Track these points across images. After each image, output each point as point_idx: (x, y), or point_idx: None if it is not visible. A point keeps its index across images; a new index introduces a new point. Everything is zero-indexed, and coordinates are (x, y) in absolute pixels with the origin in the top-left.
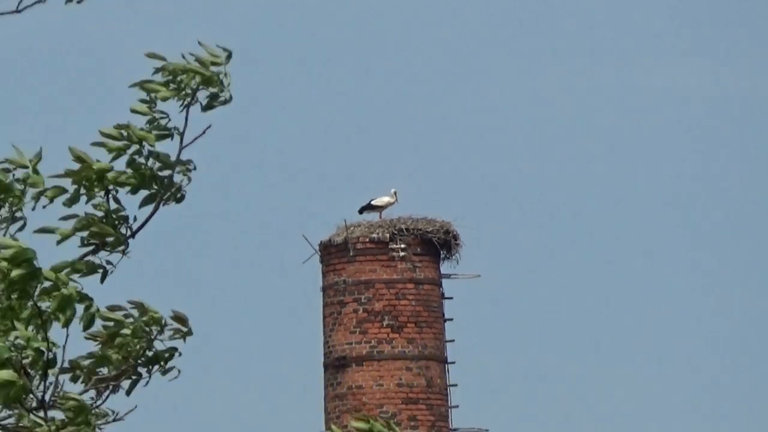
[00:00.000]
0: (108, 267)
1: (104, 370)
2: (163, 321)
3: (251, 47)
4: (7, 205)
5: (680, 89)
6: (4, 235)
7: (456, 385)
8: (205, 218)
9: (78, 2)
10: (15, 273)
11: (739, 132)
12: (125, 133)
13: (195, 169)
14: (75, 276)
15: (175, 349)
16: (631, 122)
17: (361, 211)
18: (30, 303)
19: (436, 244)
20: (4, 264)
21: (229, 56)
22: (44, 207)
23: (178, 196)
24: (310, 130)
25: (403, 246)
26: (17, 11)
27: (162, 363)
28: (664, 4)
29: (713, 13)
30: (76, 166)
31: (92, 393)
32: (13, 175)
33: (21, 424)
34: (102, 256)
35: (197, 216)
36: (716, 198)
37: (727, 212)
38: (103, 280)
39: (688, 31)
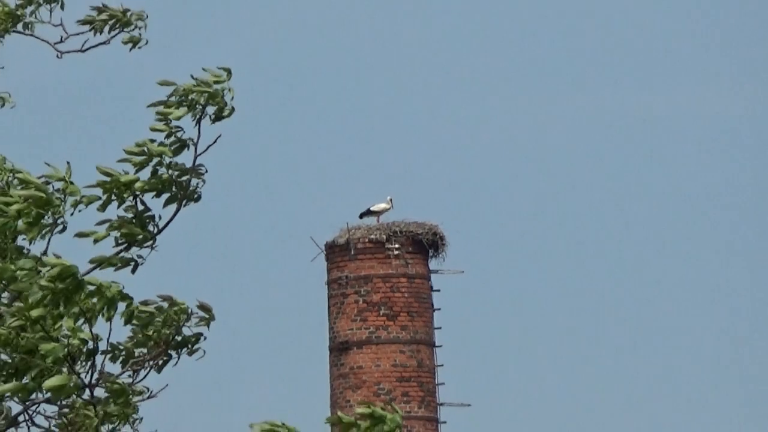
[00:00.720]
0: (139, 260)
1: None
2: (189, 310)
3: (259, 63)
4: (49, 213)
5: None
6: (49, 239)
7: (443, 365)
8: (222, 218)
9: (138, 48)
10: (61, 287)
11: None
12: (146, 149)
13: (207, 172)
14: (110, 269)
15: (200, 334)
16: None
17: (361, 216)
18: (75, 309)
19: (426, 244)
20: (49, 282)
21: (230, 74)
22: (80, 211)
23: (195, 197)
24: (317, 142)
25: (397, 246)
26: (81, 51)
27: (189, 346)
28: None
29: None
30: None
31: (129, 372)
32: (52, 186)
33: (71, 415)
34: (133, 252)
35: (215, 215)
36: (693, 196)
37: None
38: (134, 271)
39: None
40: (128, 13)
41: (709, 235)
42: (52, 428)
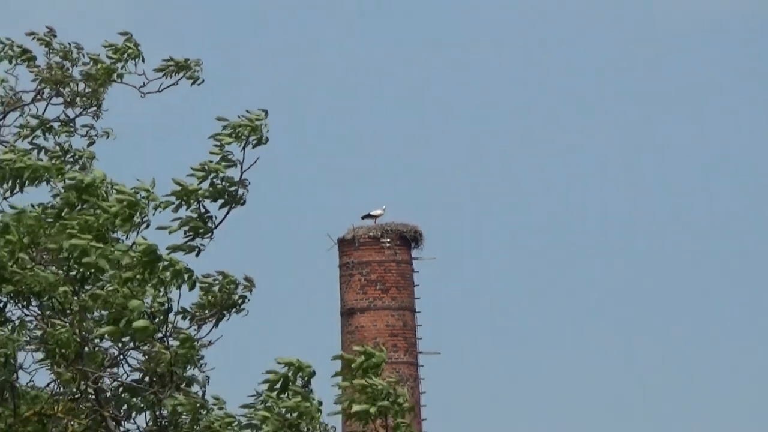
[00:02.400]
0: (201, 247)
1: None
2: (236, 281)
3: (287, 103)
4: (138, 213)
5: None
6: (137, 232)
7: (421, 325)
8: (262, 218)
9: (198, 85)
10: (145, 259)
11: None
12: (206, 167)
13: (250, 184)
14: (180, 253)
15: (245, 297)
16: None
17: (363, 218)
18: (155, 278)
19: (409, 239)
20: (139, 255)
21: (266, 114)
22: (159, 212)
23: (241, 202)
24: (333, 164)
25: (388, 240)
26: (159, 91)
27: (238, 306)
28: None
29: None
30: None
31: (195, 327)
32: (140, 195)
33: (153, 351)
34: (197, 241)
35: (257, 216)
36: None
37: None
38: (197, 255)
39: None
40: (189, 61)
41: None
42: (140, 365)
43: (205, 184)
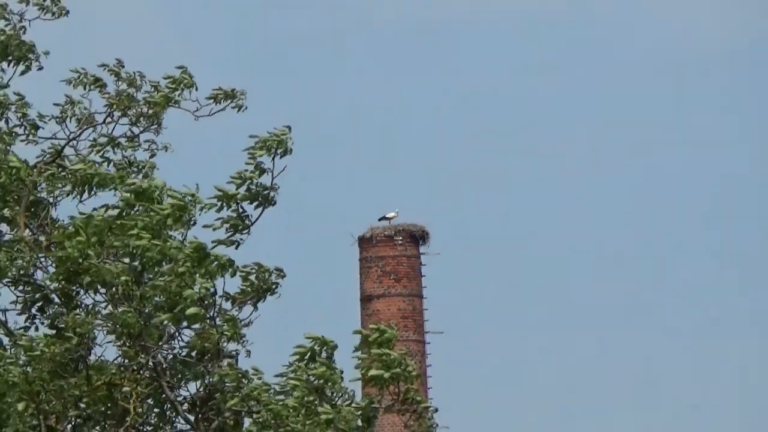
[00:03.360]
0: (240, 241)
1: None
2: (271, 270)
3: (310, 121)
4: (186, 214)
5: None
6: (187, 229)
7: (427, 309)
8: (291, 217)
9: (242, 111)
10: (195, 255)
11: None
12: (242, 175)
13: (279, 188)
14: (222, 246)
15: (278, 284)
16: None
17: (379, 220)
18: (203, 270)
19: (417, 237)
20: (190, 252)
21: (290, 129)
22: (205, 213)
23: (273, 203)
24: (355, 172)
25: (400, 238)
26: (209, 115)
27: (271, 292)
28: None
29: None
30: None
31: (237, 309)
32: (188, 198)
33: (203, 332)
34: (236, 237)
35: (286, 215)
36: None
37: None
38: (237, 248)
39: None
40: (234, 90)
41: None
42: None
43: (242, 189)
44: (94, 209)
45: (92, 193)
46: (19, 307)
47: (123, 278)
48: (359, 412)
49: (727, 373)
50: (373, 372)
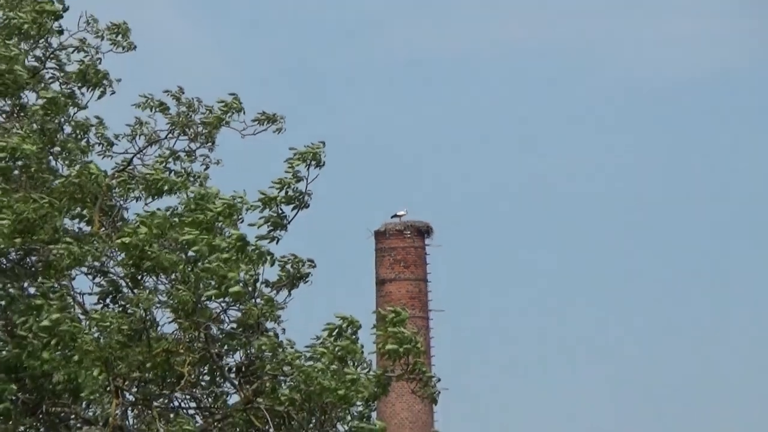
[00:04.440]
0: (279, 237)
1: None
2: (303, 261)
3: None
4: (235, 215)
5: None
6: (234, 226)
7: (431, 291)
8: (320, 216)
9: (282, 132)
10: (239, 244)
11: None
12: (282, 181)
13: (312, 193)
14: (265, 241)
15: (309, 273)
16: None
17: (391, 217)
18: (246, 258)
19: (423, 231)
20: (232, 241)
21: (324, 144)
22: (250, 213)
23: (307, 206)
24: (375, 177)
25: (409, 232)
26: (254, 134)
27: (304, 279)
28: None
29: None
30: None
31: (275, 292)
32: (237, 200)
33: (246, 310)
34: (276, 233)
35: (316, 214)
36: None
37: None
38: (277, 243)
39: None
40: (275, 114)
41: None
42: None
43: (282, 193)
44: (158, 209)
45: (159, 196)
46: (95, 298)
47: (180, 265)
48: (376, 380)
49: None
50: (389, 346)
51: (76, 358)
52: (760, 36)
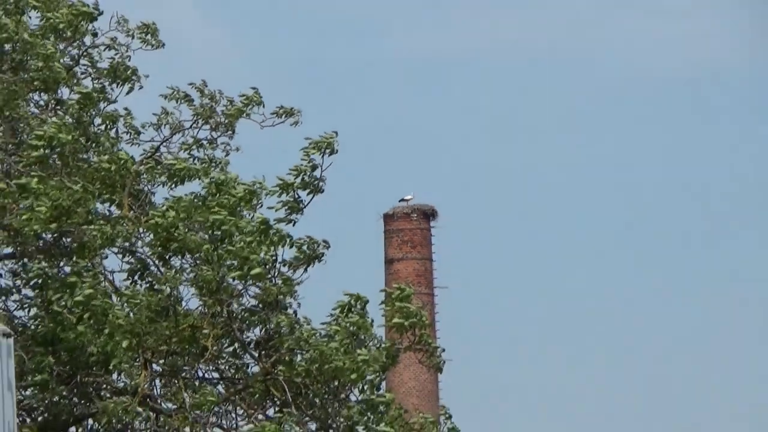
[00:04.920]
0: (295, 219)
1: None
2: (318, 242)
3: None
4: (254, 199)
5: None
6: (254, 210)
7: (435, 269)
8: (333, 200)
9: (299, 125)
10: (262, 228)
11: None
12: (298, 168)
13: (326, 179)
14: (282, 224)
15: (323, 253)
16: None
17: (399, 201)
18: (268, 240)
19: (428, 214)
20: (256, 224)
21: (336, 134)
22: (269, 197)
23: (321, 191)
24: (383, 166)
25: (415, 215)
26: (273, 126)
27: (318, 259)
28: None
29: None
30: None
31: (292, 271)
32: (257, 186)
33: (265, 288)
34: (293, 216)
35: (330, 198)
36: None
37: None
38: (294, 225)
39: None
40: (293, 108)
41: None
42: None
43: (298, 180)
44: (185, 195)
45: (181, 183)
46: (124, 275)
47: (205, 246)
48: (385, 352)
49: None
50: (396, 320)
51: (107, 331)
52: (751, 32)
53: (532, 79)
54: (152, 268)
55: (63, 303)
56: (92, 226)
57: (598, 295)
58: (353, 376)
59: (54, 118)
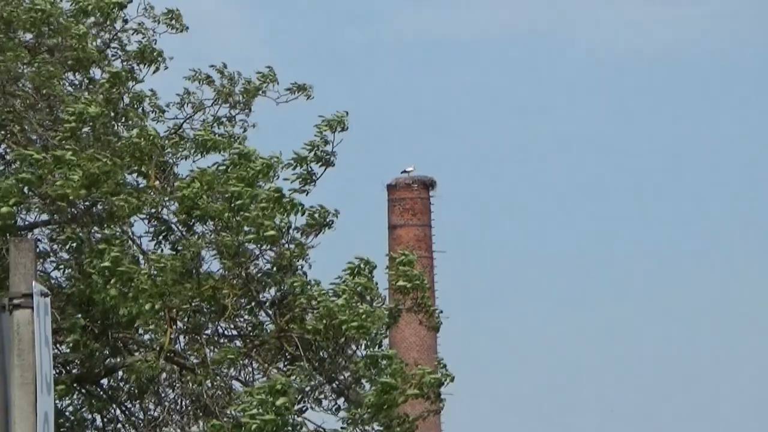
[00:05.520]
0: (308, 190)
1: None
2: (329, 211)
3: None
4: (271, 173)
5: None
6: (272, 182)
7: (434, 234)
8: (343, 174)
9: (310, 99)
10: (276, 195)
11: None
12: (311, 144)
13: (336, 154)
14: (297, 194)
15: (333, 221)
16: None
17: (401, 172)
18: (281, 208)
19: (428, 185)
20: (270, 193)
21: (347, 114)
22: (284, 169)
23: (333, 164)
24: (389, 140)
25: (416, 185)
26: (287, 102)
27: (328, 227)
28: None
29: None
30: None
31: (304, 237)
32: (274, 161)
33: (280, 252)
34: (306, 188)
35: (340, 172)
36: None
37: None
38: (307, 195)
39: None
40: (305, 84)
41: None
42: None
43: (311, 154)
44: (208, 167)
45: (207, 153)
46: (150, 236)
47: (226, 214)
48: (388, 312)
49: None
50: (399, 283)
51: (131, 295)
52: (740, 16)
53: (528, 58)
54: (176, 231)
55: (93, 267)
56: (121, 197)
57: (589, 258)
58: (355, 324)
59: (85, 96)
